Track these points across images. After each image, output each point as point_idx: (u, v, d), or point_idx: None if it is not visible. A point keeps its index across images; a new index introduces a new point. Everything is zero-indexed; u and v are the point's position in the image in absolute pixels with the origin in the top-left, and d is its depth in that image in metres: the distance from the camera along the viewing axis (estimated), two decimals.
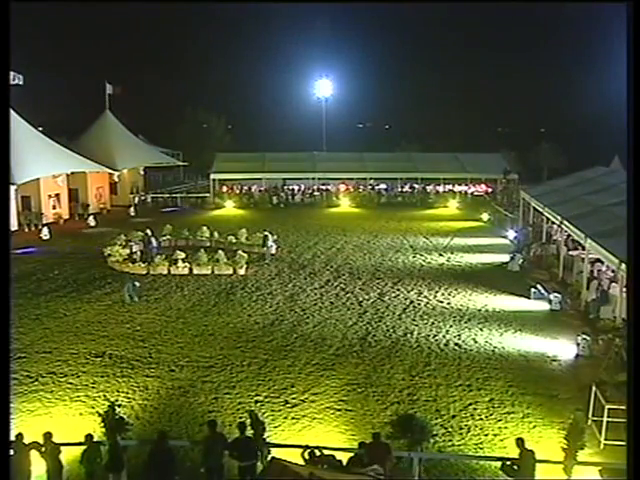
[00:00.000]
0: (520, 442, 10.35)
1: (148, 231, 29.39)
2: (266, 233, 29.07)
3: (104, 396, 14.24)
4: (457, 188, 50.33)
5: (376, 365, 16.17)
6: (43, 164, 36.79)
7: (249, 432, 10.84)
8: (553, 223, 28.86)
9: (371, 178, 50.94)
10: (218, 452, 10.52)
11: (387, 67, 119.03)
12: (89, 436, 10.64)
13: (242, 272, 25.90)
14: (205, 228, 32.11)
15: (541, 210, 29.80)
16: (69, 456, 10.83)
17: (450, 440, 12.42)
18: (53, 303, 21.74)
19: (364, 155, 52.70)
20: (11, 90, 29.84)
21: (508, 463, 10.29)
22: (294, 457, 9.82)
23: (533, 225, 33.47)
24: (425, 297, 22.44)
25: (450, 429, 12.83)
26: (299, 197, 50.01)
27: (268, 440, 11.38)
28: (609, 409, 12.13)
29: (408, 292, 23.10)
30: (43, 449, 10.29)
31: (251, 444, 10.61)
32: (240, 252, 26.96)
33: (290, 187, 51.15)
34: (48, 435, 10.43)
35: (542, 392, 14.54)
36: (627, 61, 9.70)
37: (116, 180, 45.60)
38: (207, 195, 49.07)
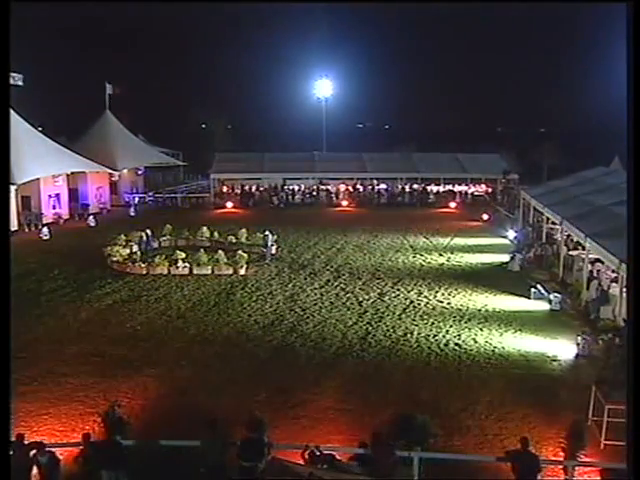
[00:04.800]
0: (524, 442, 10.31)
1: (148, 231, 29.41)
2: (266, 233, 29.08)
3: (104, 396, 14.23)
4: (457, 188, 50.30)
5: (376, 365, 16.18)
6: (43, 164, 36.78)
7: (250, 433, 10.81)
8: (553, 223, 28.86)
9: (371, 178, 50.93)
10: (218, 452, 10.50)
11: (387, 67, 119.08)
12: (86, 436, 10.63)
13: (242, 272, 25.89)
14: (205, 228, 32.09)
15: (541, 210, 29.81)
16: (68, 456, 10.83)
17: (450, 440, 12.41)
18: (53, 303, 21.76)
19: (364, 155, 52.64)
20: (11, 90, 29.82)
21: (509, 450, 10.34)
22: (294, 457, 9.84)
23: (533, 225, 33.46)
24: (425, 297, 22.44)
25: (450, 429, 12.82)
26: (299, 197, 49.90)
27: (268, 440, 11.36)
28: (609, 409, 12.13)
29: (408, 292, 23.10)
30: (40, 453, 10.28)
31: (256, 445, 10.57)
32: (240, 252, 26.96)
33: (290, 187, 51.02)
34: (41, 444, 10.44)
35: (542, 392, 14.53)
36: (627, 61, 9.69)
37: (116, 180, 45.62)
38: (207, 195, 49.08)
